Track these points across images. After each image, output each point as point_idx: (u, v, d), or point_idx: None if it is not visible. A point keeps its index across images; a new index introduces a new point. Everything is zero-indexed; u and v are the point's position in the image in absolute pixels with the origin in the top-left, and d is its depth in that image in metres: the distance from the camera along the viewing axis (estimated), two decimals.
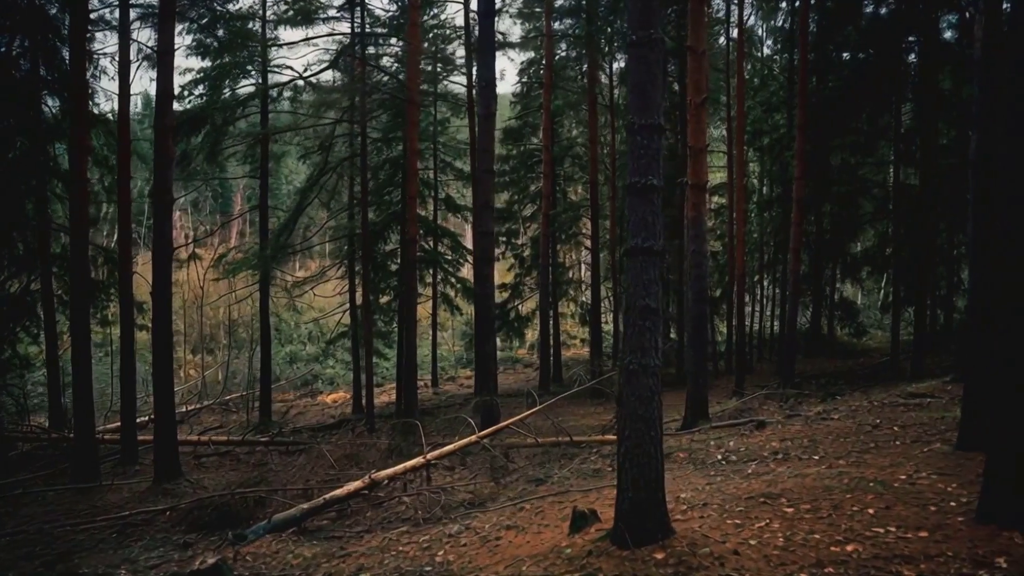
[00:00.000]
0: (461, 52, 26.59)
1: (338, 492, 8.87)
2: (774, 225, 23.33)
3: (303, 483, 12.10)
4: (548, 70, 23.32)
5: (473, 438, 9.36)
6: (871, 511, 5.13)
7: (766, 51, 27.99)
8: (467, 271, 28.93)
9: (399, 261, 25.70)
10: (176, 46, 20.30)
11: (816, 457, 7.60)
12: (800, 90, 16.71)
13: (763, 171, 25.91)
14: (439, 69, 29.90)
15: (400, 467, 9.17)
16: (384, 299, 24.85)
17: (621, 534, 4.57)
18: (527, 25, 26.89)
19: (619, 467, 4.80)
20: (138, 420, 21.12)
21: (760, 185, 26.81)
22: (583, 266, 36.52)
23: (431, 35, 28.98)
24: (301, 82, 21.45)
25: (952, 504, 5.12)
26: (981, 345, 6.53)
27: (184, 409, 25.18)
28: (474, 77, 23.26)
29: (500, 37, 24.23)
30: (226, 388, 30.60)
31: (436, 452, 9.17)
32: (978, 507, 4.75)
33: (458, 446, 9.37)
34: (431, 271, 27.99)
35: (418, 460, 9.03)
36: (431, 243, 27.81)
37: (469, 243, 35.66)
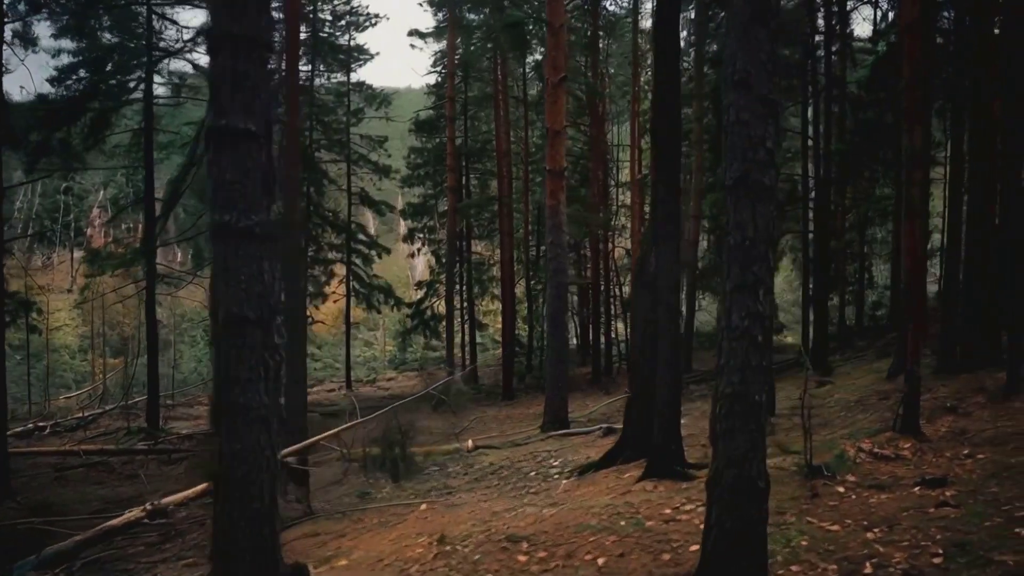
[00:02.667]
0: (364, 39, 25.44)
1: (114, 522, 7.81)
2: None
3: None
4: (451, 58, 22.35)
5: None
6: (602, 561, 4.30)
7: (681, 44, 27.30)
8: (378, 267, 27.77)
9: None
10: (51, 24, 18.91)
11: (625, 476, 6.80)
12: (679, 80, 16.00)
13: None
14: (355, 57, 28.69)
15: (191, 491, 8.14)
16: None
17: None
18: (439, 15, 25.80)
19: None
20: (27, 427, 19.70)
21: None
22: None
23: (343, 21, 27.79)
24: (192, 70, 20.15)
25: (692, 549, 4.30)
26: None
27: (82, 414, 23.66)
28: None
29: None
30: (130, 393, 28.97)
31: None
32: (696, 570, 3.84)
33: None
34: (345, 268, 26.87)
35: (208, 484, 8.01)
36: (345, 240, 26.68)
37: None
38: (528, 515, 5.91)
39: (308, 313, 25.16)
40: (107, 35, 20.10)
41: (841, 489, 5.76)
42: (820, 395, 9.96)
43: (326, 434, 8.34)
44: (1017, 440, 6.45)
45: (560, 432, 10.21)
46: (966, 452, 6.42)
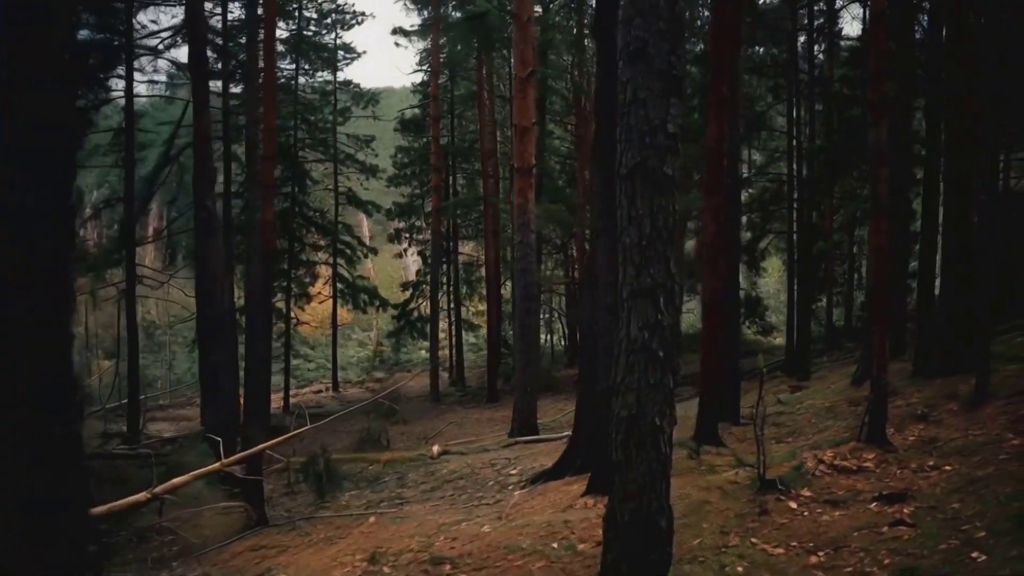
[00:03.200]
0: (350, 37, 25.15)
1: None
2: None
3: None
4: (435, 57, 22.06)
5: (216, 466, 8.09)
6: None
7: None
8: (374, 268, 27.47)
9: (286, 258, 24.25)
10: None
11: (572, 488, 6.52)
12: None
13: None
14: (341, 56, 28.38)
15: (119, 504, 7.80)
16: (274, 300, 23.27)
17: None
18: (424, 13, 25.49)
19: None
20: None
21: None
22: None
23: (329, 19, 27.45)
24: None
25: None
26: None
27: None
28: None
29: None
30: (114, 394, 28.62)
31: (164, 486, 7.86)
32: None
33: (192, 477, 8.09)
34: (331, 267, 26.56)
35: (142, 495, 7.70)
36: (331, 240, 26.37)
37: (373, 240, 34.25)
38: (469, 532, 5.64)
39: (293, 314, 24.92)
40: (85, 32, 19.78)
41: (794, 505, 5.47)
42: (792, 401, 9.66)
43: (271, 442, 8.04)
44: (985, 451, 6.15)
45: (527, 439, 9.93)
46: (931, 463, 6.11)
